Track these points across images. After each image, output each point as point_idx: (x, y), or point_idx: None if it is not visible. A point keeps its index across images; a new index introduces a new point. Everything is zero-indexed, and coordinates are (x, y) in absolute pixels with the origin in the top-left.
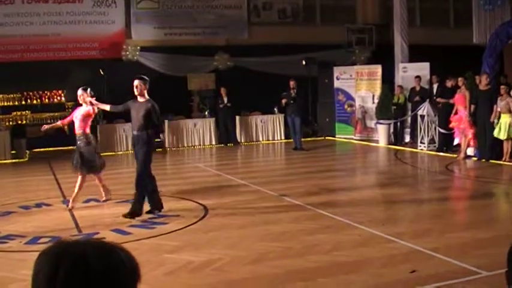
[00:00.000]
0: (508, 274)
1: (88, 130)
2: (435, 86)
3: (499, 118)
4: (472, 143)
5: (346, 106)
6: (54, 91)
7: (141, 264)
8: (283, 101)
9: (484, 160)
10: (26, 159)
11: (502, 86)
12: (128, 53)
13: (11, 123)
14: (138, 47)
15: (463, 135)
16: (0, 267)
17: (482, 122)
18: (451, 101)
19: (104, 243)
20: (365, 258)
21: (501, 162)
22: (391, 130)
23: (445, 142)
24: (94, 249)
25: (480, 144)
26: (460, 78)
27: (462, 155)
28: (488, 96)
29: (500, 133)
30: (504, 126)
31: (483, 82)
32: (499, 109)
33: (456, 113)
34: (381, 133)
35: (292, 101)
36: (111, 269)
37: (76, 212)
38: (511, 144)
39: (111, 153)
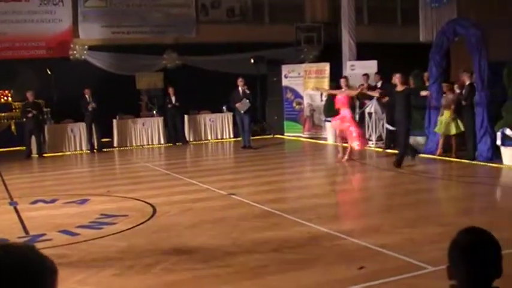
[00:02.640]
0: (449, 269)
1: None
2: (379, 84)
3: (442, 114)
4: (356, 143)
5: (294, 104)
6: (0, 91)
7: (90, 265)
8: (238, 105)
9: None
10: None
11: (444, 84)
12: (75, 52)
13: None
14: (86, 46)
15: (347, 135)
16: None
17: (398, 125)
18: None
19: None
20: (314, 256)
21: (449, 158)
22: None
23: (393, 139)
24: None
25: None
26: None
27: (345, 156)
28: (404, 97)
29: (440, 129)
30: (445, 121)
31: (398, 82)
32: (442, 106)
33: (338, 114)
34: (329, 131)
35: (248, 100)
36: (19, 267)
37: (23, 213)
38: (454, 140)
39: (59, 154)
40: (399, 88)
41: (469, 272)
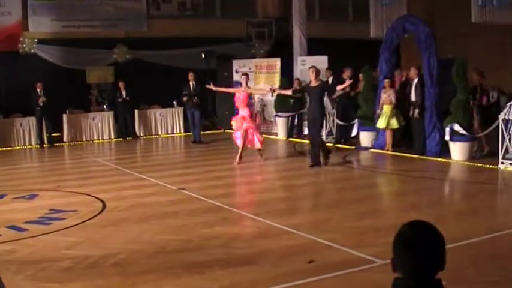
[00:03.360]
0: (393, 261)
1: None
2: (330, 79)
3: (381, 109)
4: (257, 141)
5: None
6: None
7: (38, 260)
8: (185, 98)
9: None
10: None
11: (385, 80)
12: (24, 45)
13: None
14: (35, 40)
15: (245, 135)
16: None
17: (311, 120)
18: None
19: None
20: (263, 250)
21: (399, 153)
22: (290, 123)
23: (343, 134)
24: None
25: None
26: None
27: (238, 159)
28: (319, 93)
29: (381, 123)
30: (385, 116)
31: (312, 77)
32: (381, 101)
33: (238, 113)
34: (280, 126)
35: (194, 96)
36: None
37: None
38: (391, 134)
39: (7, 148)
40: (313, 83)
41: (412, 264)
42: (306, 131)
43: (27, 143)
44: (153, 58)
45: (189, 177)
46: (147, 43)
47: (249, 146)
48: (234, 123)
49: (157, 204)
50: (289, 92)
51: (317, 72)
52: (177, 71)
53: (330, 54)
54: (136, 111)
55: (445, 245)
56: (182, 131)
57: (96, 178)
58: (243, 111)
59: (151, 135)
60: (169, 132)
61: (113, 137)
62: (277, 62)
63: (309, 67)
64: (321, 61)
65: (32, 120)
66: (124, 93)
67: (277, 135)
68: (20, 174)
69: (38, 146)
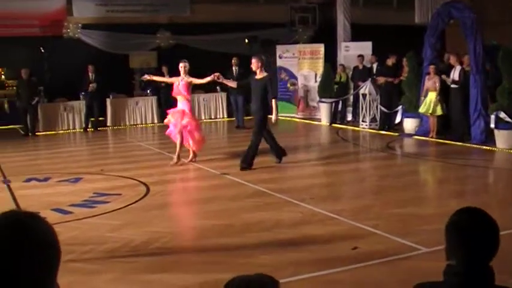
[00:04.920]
0: (446, 249)
1: None
2: (375, 66)
3: (426, 96)
4: (194, 146)
5: (288, 85)
6: None
7: (83, 243)
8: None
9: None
10: None
11: (430, 66)
12: (69, 30)
13: None
14: (80, 25)
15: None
16: None
17: (254, 117)
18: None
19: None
20: (307, 235)
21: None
22: (333, 109)
23: (387, 121)
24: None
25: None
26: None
27: (176, 159)
28: (263, 86)
29: (424, 108)
30: (429, 102)
31: (255, 68)
32: (426, 87)
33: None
34: (323, 112)
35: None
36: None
37: (16, 191)
38: (436, 121)
39: (52, 132)
40: (258, 76)
41: (465, 250)
42: (349, 117)
43: (71, 127)
44: (196, 43)
45: (232, 162)
46: (190, 28)
47: (185, 144)
48: (170, 116)
49: (201, 188)
50: (233, 84)
51: (261, 62)
52: (220, 56)
53: (374, 40)
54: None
55: (499, 231)
56: (225, 116)
57: (139, 162)
58: (183, 104)
59: None
60: (213, 117)
61: (156, 121)
62: (321, 47)
63: (252, 56)
64: (365, 47)
65: (76, 104)
66: (167, 78)
67: (320, 121)
68: (65, 158)
69: (82, 130)
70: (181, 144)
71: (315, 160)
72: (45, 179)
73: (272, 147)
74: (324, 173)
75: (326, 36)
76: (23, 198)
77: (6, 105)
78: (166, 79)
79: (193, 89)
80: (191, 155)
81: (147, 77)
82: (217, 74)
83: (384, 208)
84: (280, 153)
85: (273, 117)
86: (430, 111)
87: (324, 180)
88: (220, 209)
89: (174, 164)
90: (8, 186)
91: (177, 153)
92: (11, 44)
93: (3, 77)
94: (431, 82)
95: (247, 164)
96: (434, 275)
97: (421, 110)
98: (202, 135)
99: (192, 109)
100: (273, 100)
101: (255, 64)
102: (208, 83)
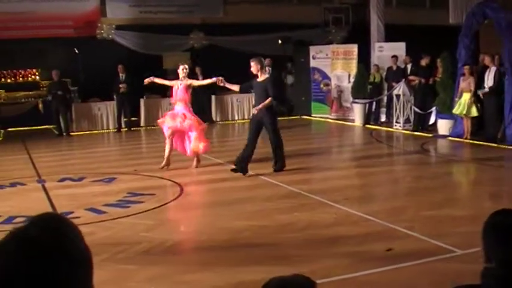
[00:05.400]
0: (485, 252)
1: None
2: (409, 66)
3: (460, 97)
4: (201, 146)
5: (322, 85)
6: (28, 70)
7: (117, 242)
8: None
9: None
10: (0, 138)
11: (465, 67)
12: (102, 31)
13: None
14: (113, 26)
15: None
16: None
17: (253, 121)
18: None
19: (55, 227)
20: (341, 237)
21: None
22: (367, 109)
23: (421, 122)
24: (42, 231)
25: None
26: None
27: (166, 162)
28: (265, 89)
29: (458, 109)
30: (464, 103)
31: (256, 71)
32: (460, 88)
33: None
34: (357, 112)
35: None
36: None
37: (51, 191)
38: (470, 122)
39: (86, 132)
40: (260, 78)
41: (503, 252)
42: (383, 118)
43: (104, 127)
44: (229, 44)
45: (265, 162)
46: (223, 29)
47: (177, 149)
48: (168, 118)
49: (234, 189)
50: (236, 88)
51: (261, 64)
52: (253, 57)
53: (408, 41)
54: (213, 97)
55: None
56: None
57: (173, 162)
58: (181, 108)
59: (228, 120)
60: (246, 118)
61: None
62: (354, 48)
63: (251, 59)
64: (399, 47)
65: (109, 105)
66: (201, 79)
67: (353, 122)
68: (98, 158)
69: (116, 130)
70: (171, 148)
71: (348, 161)
72: (80, 179)
73: (243, 157)
74: (357, 174)
75: (359, 36)
76: (58, 198)
77: (40, 106)
78: (167, 82)
79: (226, 89)
80: (165, 160)
81: (149, 79)
82: (220, 78)
83: (418, 210)
84: (243, 167)
85: (254, 108)
86: (464, 113)
87: (357, 181)
88: (254, 210)
89: (162, 167)
90: (43, 185)
91: (166, 157)
92: (45, 45)
93: (37, 77)
94: (465, 83)
95: (280, 165)
96: (469, 277)
97: (456, 111)
98: (206, 140)
99: (191, 112)
100: (270, 98)
101: (254, 67)
102: (209, 85)
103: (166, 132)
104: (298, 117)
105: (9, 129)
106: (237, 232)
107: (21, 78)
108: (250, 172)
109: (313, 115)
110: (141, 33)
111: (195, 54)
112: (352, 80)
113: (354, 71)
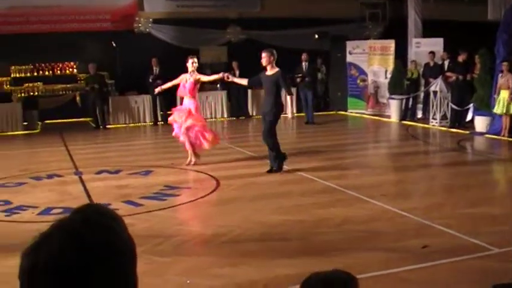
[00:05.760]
0: None
1: None
2: (446, 63)
3: (498, 94)
4: (205, 142)
5: (358, 81)
6: (66, 62)
7: (153, 235)
8: (298, 79)
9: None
10: (38, 130)
11: (503, 63)
12: (140, 25)
13: (22, 94)
14: (151, 19)
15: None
16: (12, 237)
17: (262, 116)
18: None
19: (101, 217)
20: (376, 233)
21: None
22: (403, 106)
23: (458, 118)
24: (89, 224)
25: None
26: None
27: (192, 159)
28: (274, 83)
29: (499, 109)
30: (502, 101)
31: (266, 63)
32: (498, 85)
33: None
34: (393, 108)
35: (307, 78)
36: (109, 243)
37: (88, 183)
38: (509, 120)
39: (123, 125)
40: (269, 72)
41: None
42: (419, 114)
43: (141, 120)
44: (266, 38)
45: (301, 157)
46: (260, 23)
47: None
48: (176, 115)
49: (270, 183)
50: (244, 82)
51: (273, 57)
52: (290, 52)
53: (446, 37)
54: (249, 91)
55: None
56: (295, 111)
57: (209, 156)
58: (189, 103)
59: None
60: (282, 113)
61: (226, 116)
62: (391, 43)
63: (263, 51)
64: (437, 43)
65: (146, 98)
66: (237, 73)
67: (390, 118)
68: (135, 151)
69: (152, 123)
70: (192, 146)
71: (384, 157)
72: (116, 172)
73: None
74: (393, 170)
75: (396, 32)
76: (95, 190)
77: (78, 98)
78: (174, 81)
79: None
80: (189, 157)
81: (158, 89)
82: (226, 73)
83: (455, 207)
84: (281, 161)
85: (289, 113)
86: (503, 111)
87: (393, 177)
88: (290, 205)
89: (189, 164)
90: (80, 177)
91: (190, 153)
92: (83, 38)
93: (75, 70)
94: (504, 80)
95: (277, 166)
96: (507, 276)
97: (496, 110)
98: (213, 132)
99: (198, 107)
100: (289, 97)
101: (266, 59)
102: (215, 80)
103: (177, 131)
104: (334, 112)
105: (47, 121)
106: (272, 226)
107: (59, 71)
108: (286, 167)
109: (349, 110)
110: (178, 27)
111: (232, 49)
112: (388, 75)
113: (390, 66)
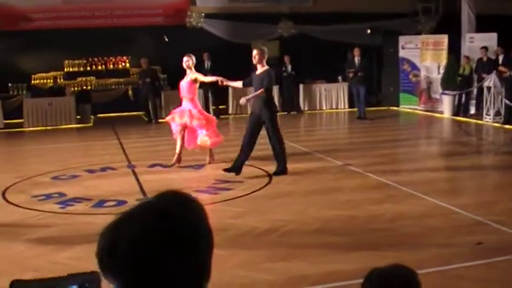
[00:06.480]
0: None
1: None
2: (500, 58)
3: None
4: (208, 141)
5: (411, 76)
6: (118, 57)
7: None
8: (350, 74)
9: None
10: (91, 124)
11: None
12: (192, 19)
13: (76, 88)
14: (202, 14)
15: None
16: (67, 229)
17: (251, 117)
18: None
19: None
20: (430, 229)
21: None
22: (456, 101)
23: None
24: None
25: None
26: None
27: (177, 158)
28: (261, 81)
29: None
30: None
31: (257, 61)
32: None
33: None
34: (446, 104)
35: (359, 73)
36: (194, 228)
37: (141, 176)
38: None
39: None
40: (258, 70)
41: None
42: (472, 110)
43: None
44: (318, 33)
45: (353, 153)
46: (311, 18)
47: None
48: (176, 116)
49: (323, 179)
50: (239, 85)
51: (263, 55)
52: (342, 46)
53: (500, 32)
54: (301, 86)
55: None
56: (347, 106)
57: (262, 150)
58: (189, 104)
59: (316, 110)
60: (334, 108)
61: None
62: (444, 38)
63: (254, 48)
64: (490, 38)
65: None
66: (289, 68)
67: (442, 114)
68: None
69: None
70: (182, 144)
71: (437, 153)
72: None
73: (240, 159)
74: (446, 166)
75: (449, 27)
76: (148, 183)
77: (130, 92)
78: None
79: (314, 78)
80: (175, 157)
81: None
82: (220, 78)
83: (509, 204)
84: (238, 167)
85: (242, 98)
86: None
87: (446, 173)
88: (343, 200)
89: (173, 164)
90: (133, 171)
91: (176, 153)
92: (135, 33)
93: (127, 65)
94: None
95: (281, 169)
96: None
97: None
98: (217, 132)
99: (198, 109)
100: (261, 89)
101: (256, 57)
102: (211, 82)
103: (175, 129)
104: (387, 108)
105: (100, 115)
106: (326, 221)
107: (111, 66)
108: (338, 162)
109: (401, 106)
110: (230, 21)
111: (284, 43)
112: (441, 71)
113: (443, 62)
